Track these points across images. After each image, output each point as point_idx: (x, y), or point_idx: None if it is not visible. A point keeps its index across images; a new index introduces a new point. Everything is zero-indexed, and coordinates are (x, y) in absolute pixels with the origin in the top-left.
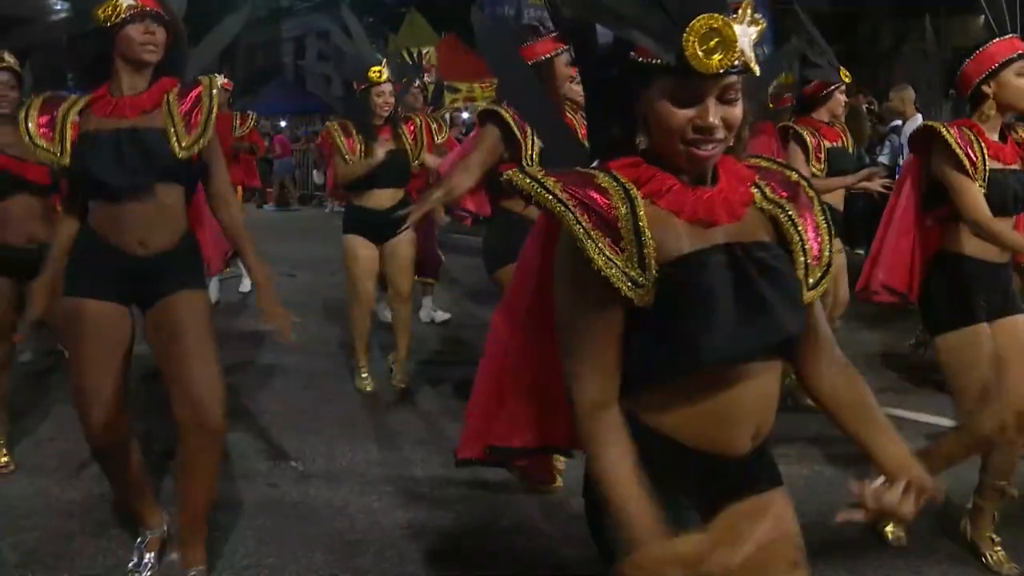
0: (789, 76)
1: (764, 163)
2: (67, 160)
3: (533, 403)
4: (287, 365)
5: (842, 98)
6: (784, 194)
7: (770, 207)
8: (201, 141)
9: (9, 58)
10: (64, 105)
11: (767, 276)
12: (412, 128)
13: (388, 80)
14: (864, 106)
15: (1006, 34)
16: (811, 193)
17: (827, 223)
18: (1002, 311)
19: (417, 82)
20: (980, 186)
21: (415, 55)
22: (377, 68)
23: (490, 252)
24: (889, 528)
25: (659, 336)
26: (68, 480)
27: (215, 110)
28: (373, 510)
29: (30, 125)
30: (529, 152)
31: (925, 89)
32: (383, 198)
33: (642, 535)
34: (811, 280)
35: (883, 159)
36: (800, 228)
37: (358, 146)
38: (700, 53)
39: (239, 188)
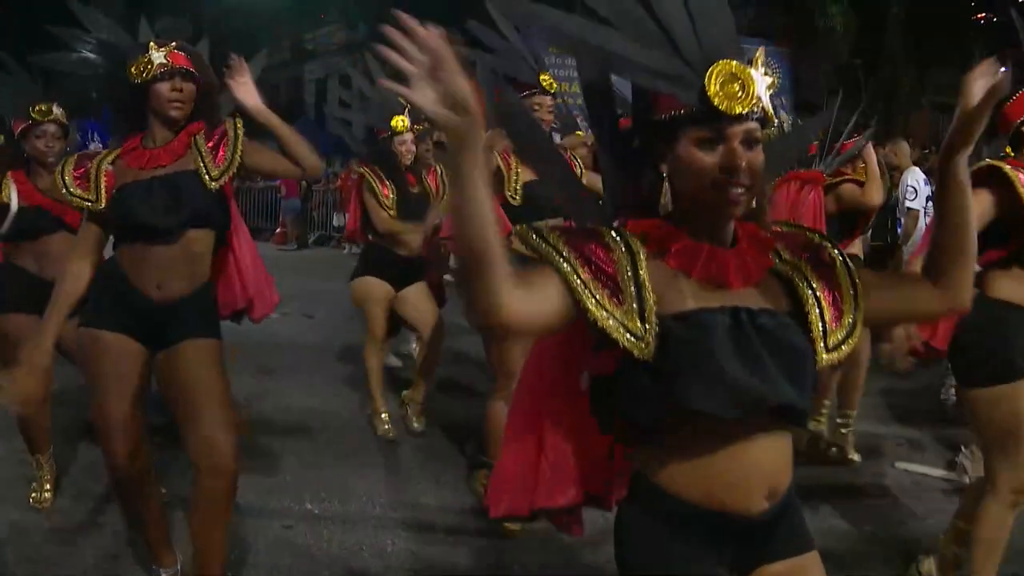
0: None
1: (786, 228)
2: (103, 205)
3: (573, 457)
4: (302, 405)
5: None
6: (803, 255)
7: (787, 269)
8: (230, 170)
9: (57, 111)
10: (97, 158)
11: (770, 345)
12: (434, 176)
13: (410, 129)
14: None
15: None
16: (834, 254)
17: (853, 285)
18: None
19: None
20: None
21: None
22: (400, 117)
23: None
24: None
25: (658, 389)
26: (84, 516)
27: (240, 140)
28: (387, 553)
29: (66, 178)
30: (513, 184)
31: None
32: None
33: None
34: (831, 342)
35: (913, 204)
36: (817, 290)
37: (391, 193)
38: (721, 94)
39: None
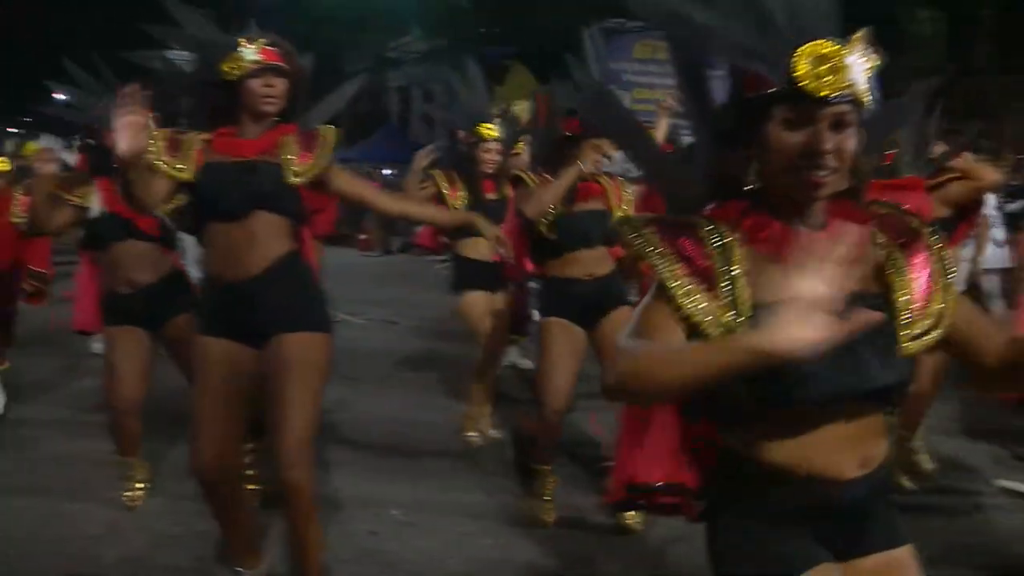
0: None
1: (884, 209)
2: (190, 175)
3: (667, 442)
4: (389, 412)
5: None
6: (899, 241)
7: (879, 252)
8: (315, 169)
9: (151, 123)
10: (191, 134)
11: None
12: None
13: (498, 138)
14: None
15: None
16: (931, 242)
17: (946, 275)
18: None
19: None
20: None
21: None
22: (489, 125)
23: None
24: None
25: (750, 377)
26: (177, 517)
27: (332, 145)
28: (473, 559)
29: (158, 147)
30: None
31: None
32: (483, 247)
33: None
34: (914, 331)
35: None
36: (907, 276)
37: (461, 197)
38: (810, 76)
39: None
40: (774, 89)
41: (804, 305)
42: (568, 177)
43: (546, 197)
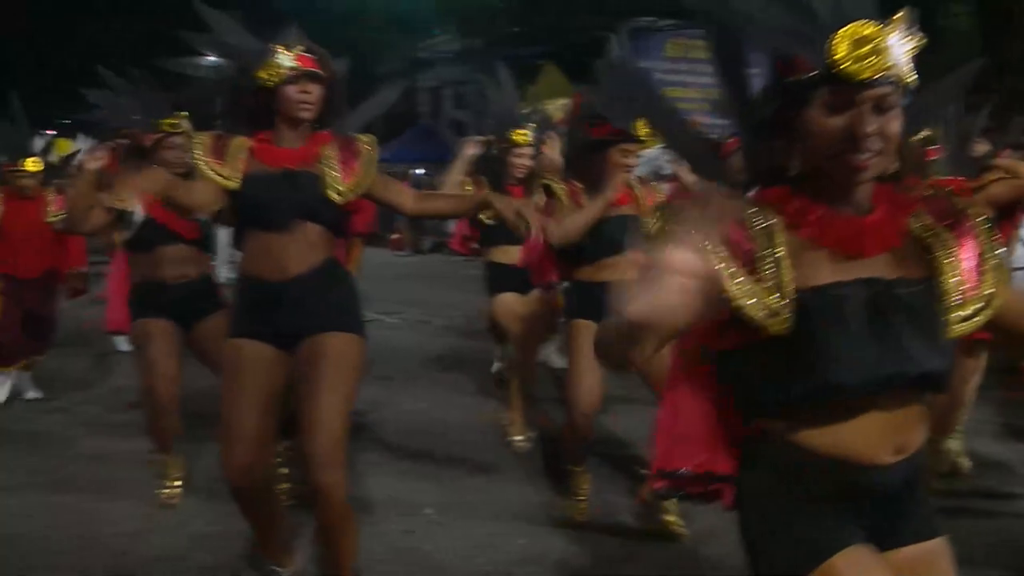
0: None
1: (929, 191)
2: (237, 184)
3: (700, 429)
4: (422, 412)
5: None
6: (945, 223)
7: (926, 235)
8: (359, 189)
9: (186, 124)
10: (234, 139)
11: (907, 314)
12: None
13: (530, 143)
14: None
15: None
16: (978, 223)
17: (995, 256)
18: None
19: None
20: None
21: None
22: (522, 131)
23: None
24: None
25: (790, 362)
26: (212, 516)
27: (374, 161)
28: (506, 559)
29: (203, 152)
30: None
31: None
32: (513, 253)
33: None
34: (963, 312)
35: None
36: (954, 258)
37: None
38: (850, 58)
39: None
40: (814, 73)
41: (662, 271)
42: (595, 208)
43: (572, 228)
